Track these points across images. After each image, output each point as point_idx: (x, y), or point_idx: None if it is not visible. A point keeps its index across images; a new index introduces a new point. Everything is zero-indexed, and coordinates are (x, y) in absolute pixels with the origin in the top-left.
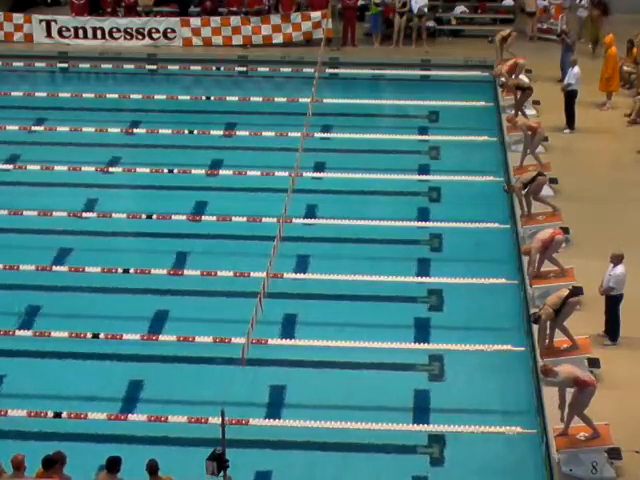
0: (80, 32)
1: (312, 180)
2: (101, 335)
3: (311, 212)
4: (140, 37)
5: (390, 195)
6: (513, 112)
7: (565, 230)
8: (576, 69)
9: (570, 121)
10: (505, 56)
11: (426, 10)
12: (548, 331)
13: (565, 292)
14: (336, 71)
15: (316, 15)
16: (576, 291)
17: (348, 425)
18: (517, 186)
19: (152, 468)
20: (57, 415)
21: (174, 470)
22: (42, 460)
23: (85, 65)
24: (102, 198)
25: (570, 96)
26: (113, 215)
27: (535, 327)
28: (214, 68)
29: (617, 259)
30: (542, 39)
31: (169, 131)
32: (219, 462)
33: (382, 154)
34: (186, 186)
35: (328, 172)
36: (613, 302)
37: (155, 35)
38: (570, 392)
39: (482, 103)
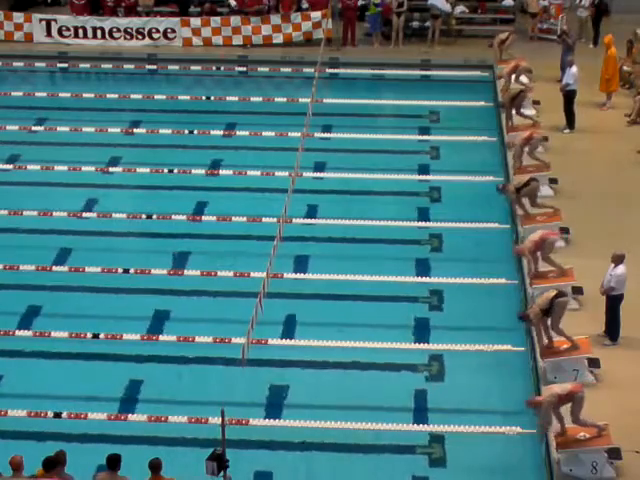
0: (80, 32)
1: (312, 180)
2: (101, 335)
3: (311, 212)
4: (140, 37)
5: (390, 195)
6: (508, 123)
7: (565, 230)
8: (574, 69)
9: (570, 121)
10: (504, 57)
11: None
12: (543, 331)
13: (553, 293)
14: (336, 71)
15: (316, 15)
16: (563, 292)
17: (348, 425)
18: (510, 189)
19: (155, 465)
20: (57, 415)
21: (174, 470)
22: (43, 461)
23: (85, 65)
24: (102, 198)
25: (569, 96)
26: (113, 215)
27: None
28: (214, 68)
29: (618, 259)
30: (542, 39)
31: (169, 131)
32: (219, 462)
33: (382, 154)
34: (186, 186)
35: (328, 172)
36: (614, 302)
37: (155, 35)
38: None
39: (482, 103)
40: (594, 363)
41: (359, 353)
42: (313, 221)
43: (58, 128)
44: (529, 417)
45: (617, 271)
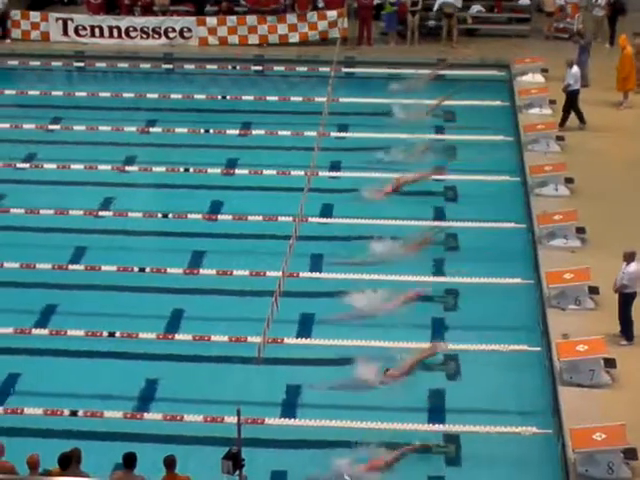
0: (96, 31)
1: (328, 179)
2: (117, 334)
3: (327, 211)
4: (156, 36)
5: (406, 194)
6: None
7: (581, 230)
8: (574, 69)
9: (580, 118)
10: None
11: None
12: None
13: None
14: (352, 70)
15: (332, 14)
16: (436, 349)
17: (364, 424)
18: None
19: (170, 462)
20: (73, 413)
21: (190, 469)
22: (58, 458)
23: (101, 64)
24: (118, 197)
25: (572, 96)
26: (129, 214)
27: (551, 326)
28: (230, 67)
29: (630, 257)
30: (558, 38)
31: (185, 130)
32: (235, 461)
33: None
34: (202, 185)
35: (344, 171)
36: (626, 300)
37: (171, 34)
38: None
39: (498, 102)
40: (610, 363)
41: (375, 352)
42: (329, 220)
43: (74, 127)
44: (545, 417)
45: (629, 269)
